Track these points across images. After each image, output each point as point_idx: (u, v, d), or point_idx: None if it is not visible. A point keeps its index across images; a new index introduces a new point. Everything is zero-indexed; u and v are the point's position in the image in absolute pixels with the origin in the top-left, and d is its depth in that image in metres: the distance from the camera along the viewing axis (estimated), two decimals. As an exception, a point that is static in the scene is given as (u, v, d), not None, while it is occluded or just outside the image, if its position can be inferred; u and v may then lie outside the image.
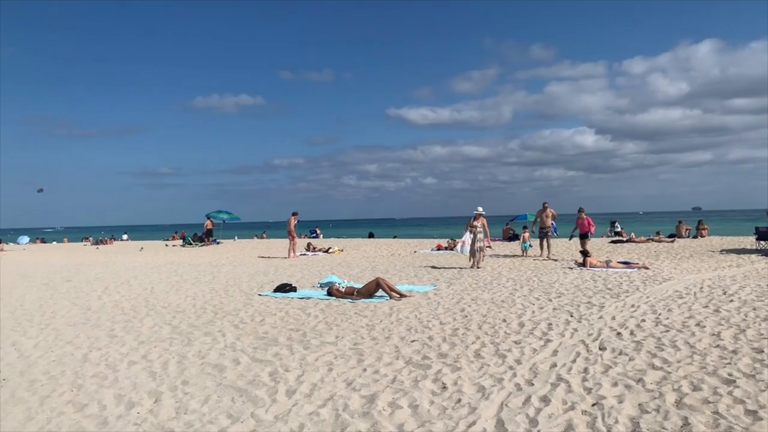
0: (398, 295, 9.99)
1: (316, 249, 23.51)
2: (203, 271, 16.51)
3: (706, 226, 26.39)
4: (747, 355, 5.61)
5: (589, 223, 17.33)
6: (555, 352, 6.05)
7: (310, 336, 7.27)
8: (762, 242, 18.88)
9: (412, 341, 6.79)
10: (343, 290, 10.27)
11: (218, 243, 31.94)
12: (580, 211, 17.63)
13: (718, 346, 6.05)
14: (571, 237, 17.54)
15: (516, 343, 6.53)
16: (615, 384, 4.87)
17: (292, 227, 21.58)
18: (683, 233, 26.10)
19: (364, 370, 5.63)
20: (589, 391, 4.72)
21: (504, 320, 7.89)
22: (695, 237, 25.55)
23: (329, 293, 10.40)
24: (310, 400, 4.78)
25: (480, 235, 15.13)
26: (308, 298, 10.44)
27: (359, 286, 10.73)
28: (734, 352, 5.77)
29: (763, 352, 5.72)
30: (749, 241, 20.91)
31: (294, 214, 21.72)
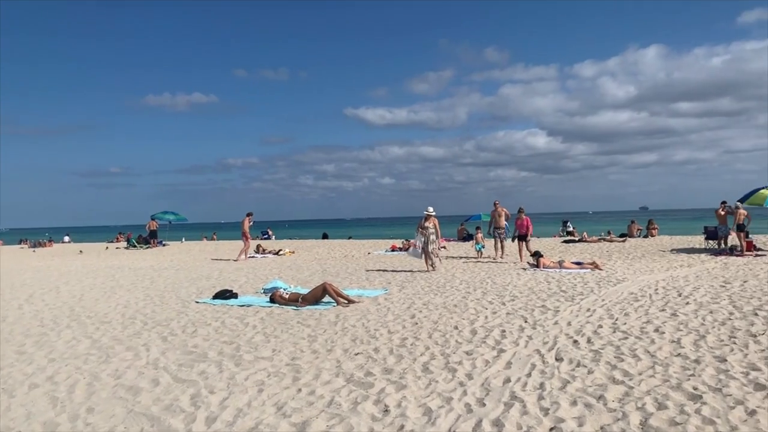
0: (346, 301, 9.41)
1: (266, 251, 22.68)
2: (142, 276, 15.54)
3: (656, 226, 26.75)
4: (710, 365, 5.26)
5: (528, 224, 17.00)
6: (509, 365, 5.58)
7: (245, 350, 6.61)
8: (710, 241, 19.10)
9: (356, 354, 6.21)
10: (287, 296, 9.61)
11: (164, 245, 30.66)
12: (520, 211, 17.26)
13: (679, 354, 5.69)
14: (513, 238, 17.13)
15: (467, 353, 6.04)
16: (574, 402, 4.41)
17: (246, 228, 20.75)
18: (635, 233, 26.37)
19: (299, 390, 5.03)
20: (546, 412, 4.24)
21: (456, 327, 7.40)
22: (646, 236, 25.85)
23: (272, 300, 9.72)
24: (231, 430, 4.14)
25: (432, 237, 14.65)
26: (249, 305, 9.73)
27: (305, 291, 10.09)
28: (697, 361, 5.42)
29: (726, 361, 5.38)
30: (698, 241, 21.18)
31: (248, 214, 20.89)
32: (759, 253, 16.59)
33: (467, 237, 26.89)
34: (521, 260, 16.25)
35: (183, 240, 35.04)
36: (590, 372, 5.20)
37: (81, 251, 29.70)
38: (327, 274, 14.61)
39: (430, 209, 14.99)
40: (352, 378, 5.32)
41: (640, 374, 5.07)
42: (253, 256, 21.17)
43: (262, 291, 11.18)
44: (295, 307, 9.23)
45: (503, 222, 17.54)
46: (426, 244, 14.53)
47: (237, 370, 5.76)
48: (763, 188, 17.85)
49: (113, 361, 6.29)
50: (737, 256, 16.20)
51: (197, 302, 10.34)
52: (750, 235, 17.36)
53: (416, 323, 7.77)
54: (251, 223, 21.07)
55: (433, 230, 14.70)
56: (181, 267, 18.30)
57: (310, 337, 7.17)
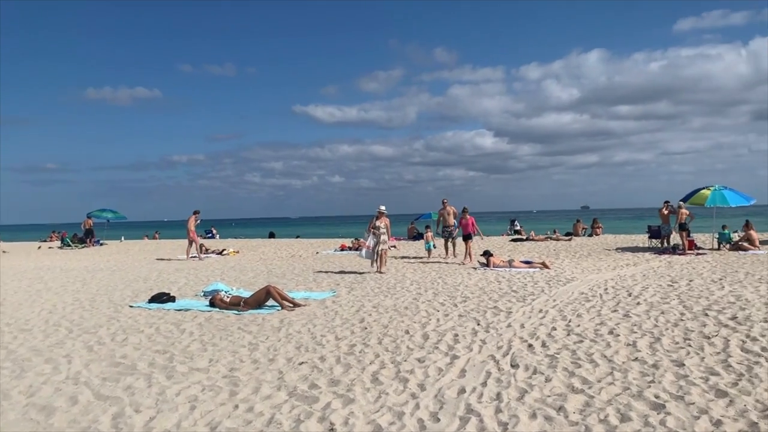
0: (291, 305, 8.93)
1: (209, 251, 21.83)
2: (74, 278, 14.57)
3: (600, 225, 27.25)
4: (669, 370, 5.09)
5: (472, 224, 16.80)
6: (463, 373, 5.27)
7: (179, 360, 6.07)
8: (654, 240, 19.50)
9: (300, 364, 5.78)
10: (229, 300, 9.06)
11: (102, 244, 29.24)
12: (464, 211, 17.06)
13: (636, 359, 5.52)
14: (464, 239, 16.85)
15: (419, 361, 5.70)
16: (533, 415, 4.13)
17: (192, 227, 19.92)
18: (580, 232, 26.78)
19: (236, 407, 4.56)
20: (504, 427, 3.94)
21: (407, 332, 7.06)
22: (590, 235, 26.29)
23: (212, 304, 9.15)
24: (155, 458, 3.66)
25: (383, 237, 14.29)
26: (187, 309, 9.13)
27: (248, 294, 9.56)
28: (655, 366, 5.24)
29: (684, 365, 5.23)
30: (641, 239, 21.62)
31: (195, 212, 20.06)
32: (700, 251, 17.00)
33: (417, 236, 26.70)
34: (469, 261, 16.08)
35: (122, 239, 33.53)
36: (548, 380, 4.94)
37: (4, 251, 27.89)
38: (272, 276, 14.06)
39: (382, 207, 14.61)
40: (295, 391, 4.89)
41: (599, 381, 4.84)
42: (194, 257, 20.33)
43: (202, 294, 10.57)
44: (236, 312, 8.70)
45: (452, 220, 17.33)
46: (377, 244, 14.16)
47: (168, 383, 5.23)
48: (704, 188, 18.31)
49: (28, 375, 5.65)
50: (680, 254, 16.54)
51: (131, 306, 9.65)
52: (691, 234, 17.78)
53: (365, 328, 7.39)
54: (198, 222, 20.29)
55: (384, 230, 14.34)
56: (117, 268, 17.33)
57: (251, 345, 6.68)
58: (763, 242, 18.26)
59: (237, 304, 8.91)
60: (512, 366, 5.41)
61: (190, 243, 20.10)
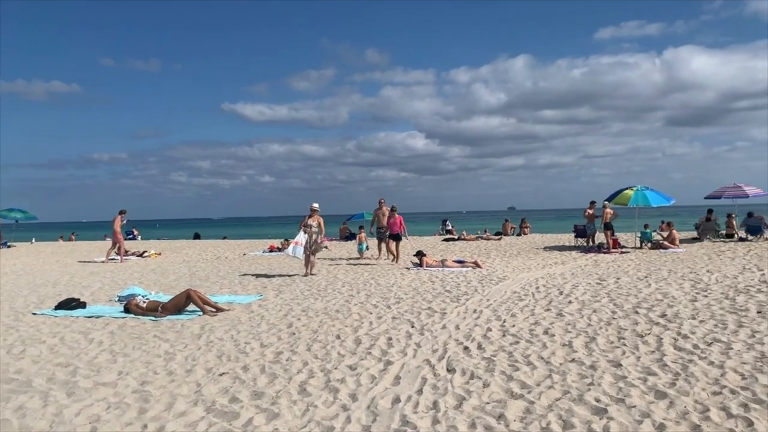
0: (214, 310, 8.36)
1: (128, 252, 20.63)
2: (-27, 284, 13.29)
3: (528, 225, 27.82)
4: (607, 372, 4.96)
5: (400, 223, 16.52)
6: (397, 380, 4.95)
7: (83, 374, 5.44)
8: (580, 239, 19.99)
9: (221, 375, 5.29)
10: (145, 305, 8.38)
11: (9, 246, 27.17)
12: (393, 210, 16.62)
13: (573, 360, 5.38)
14: (392, 238, 16.49)
15: (351, 368, 5.35)
16: (473, 425, 3.85)
17: (118, 227, 18.83)
18: (509, 231, 27.21)
19: (145, 426, 4.05)
20: (443, 440, 3.64)
21: (338, 336, 6.69)
22: (519, 234, 26.78)
23: (126, 309, 8.44)
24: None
25: (315, 236, 13.78)
26: (98, 317, 8.38)
27: (167, 298, 8.90)
28: (593, 367, 5.11)
29: (621, 365, 5.12)
30: (567, 238, 22.16)
31: (121, 212, 18.97)
32: (623, 250, 17.52)
33: (349, 236, 26.34)
34: (396, 260, 15.84)
35: (33, 241, 31.34)
36: (486, 385, 4.70)
37: None
38: (195, 279, 13.32)
39: (315, 205, 14.06)
40: (213, 406, 4.42)
41: (538, 385, 4.64)
42: (114, 259, 19.14)
43: (117, 299, 9.79)
44: (153, 318, 8.05)
45: (386, 221, 17.02)
46: (309, 243, 13.65)
47: (68, 402, 4.63)
48: (627, 188, 18.92)
49: None
50: (605, 253, 16.98)
51: (35, 314, 8.78)
52: (615, 233, 18.31)
53: (293, 333, 6.96)
54: (124, 222, 19.23)
55: (317, 228, 13.83)
56: (24, 272, 16.00)
57: (168, 354, 6.11)
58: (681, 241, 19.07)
59: (154, 310, 8.25)
60: (448, 371, 5.15)
61: (114, 244, 18.99)
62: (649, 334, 6.30)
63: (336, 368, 5.35)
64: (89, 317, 8.36)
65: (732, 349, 5.57)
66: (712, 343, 5.84)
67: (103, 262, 18.52)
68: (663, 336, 6.17)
